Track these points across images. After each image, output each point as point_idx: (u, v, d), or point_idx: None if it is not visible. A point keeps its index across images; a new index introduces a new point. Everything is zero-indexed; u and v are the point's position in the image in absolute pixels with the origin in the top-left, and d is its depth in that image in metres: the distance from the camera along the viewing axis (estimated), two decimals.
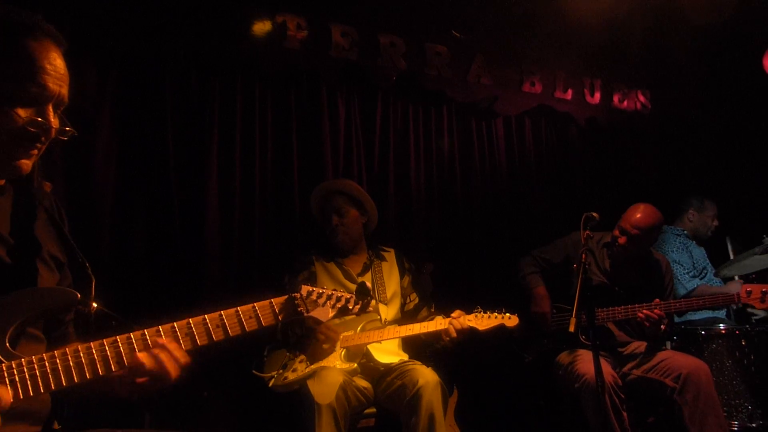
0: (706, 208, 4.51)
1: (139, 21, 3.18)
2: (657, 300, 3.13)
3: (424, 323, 2.90)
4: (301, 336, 2.89)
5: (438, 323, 2.86)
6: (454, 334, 2.80)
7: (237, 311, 1.49)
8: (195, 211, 3.33)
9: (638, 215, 3.28)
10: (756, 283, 3.45)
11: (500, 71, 4.40)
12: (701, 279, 4.21)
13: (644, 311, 3.07)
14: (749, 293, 3.05)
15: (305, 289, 1.67)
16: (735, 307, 4.38)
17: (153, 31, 3.22)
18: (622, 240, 3.30)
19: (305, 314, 1.63)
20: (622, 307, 3.20)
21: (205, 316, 1.45)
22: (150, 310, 2.96)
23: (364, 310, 1.78)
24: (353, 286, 3.09)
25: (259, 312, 1.53)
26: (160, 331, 1.39)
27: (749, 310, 4.28)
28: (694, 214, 4.52)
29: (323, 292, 1.71)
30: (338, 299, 1.74)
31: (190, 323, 1.44)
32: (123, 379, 1.38)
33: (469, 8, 4.14)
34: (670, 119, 5.13)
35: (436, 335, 2.91)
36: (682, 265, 4.13)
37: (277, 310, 1.57)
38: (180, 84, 3.37)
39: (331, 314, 1.70)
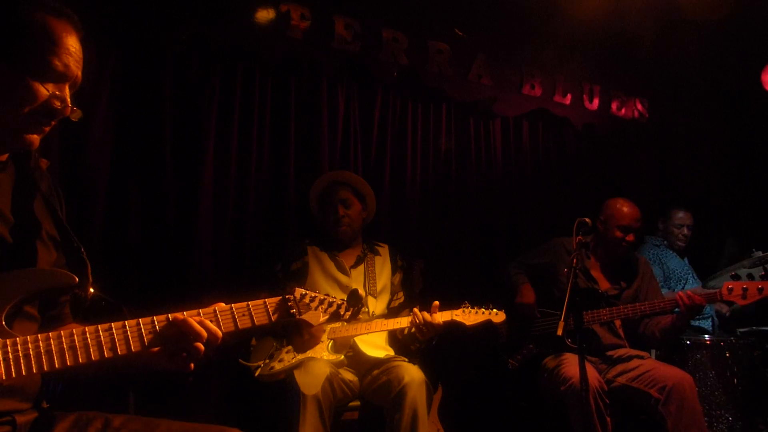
0: (670, 218, 4.58)
1: (142, 2, 3.15)
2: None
3: (397, 319, 2.90)
4: (287, 325, 2.88)
5: (407, 320, 2.84)
6: (419, 335, 2.80)
7: (231, 308, 1.48)
8: (189, 197, 3.32)
9: (629, 209, 3.41)
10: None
11: (501, 72, 4.40)
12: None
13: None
14: (731, 290, 3.07)
15: (299, 291, 1.65)
16: (718, 321, 4.43)
17: (155, 13, 3.20)
18: (630, 237, 3.39)
19: (297, 317, 1.61)
20: (607, 309, 3.23)
21: (200, 310, 1.43)
22: (141, 296, 2.98)
23: (354, 317, 1.77)
24: (345, 278, 3.11)
25: (253, 311, 1.52)
26: (154, 322, 1.37)
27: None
28: (661, 223, 4.59)
29: (316, 296, 1.69)
30: (330, 304, 1.72)
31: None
32: (162, 354, 1.38)
33: (474, 8, 4.13)
34: (667, 129, 5.16)
35: (412, 336, 2.92)
36: None
37: (270, 311, 1.56)
38: (180, 68, 3.35)
39: (322, 319, 1.68)
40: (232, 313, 1.48)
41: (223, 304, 1.48)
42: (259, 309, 1.54)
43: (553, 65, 4.62)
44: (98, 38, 3.10)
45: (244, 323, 1.49)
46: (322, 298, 1.71)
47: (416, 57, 4.04)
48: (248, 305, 1.52)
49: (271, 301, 1.57)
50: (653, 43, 4.49)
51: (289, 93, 3.68)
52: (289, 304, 1.61)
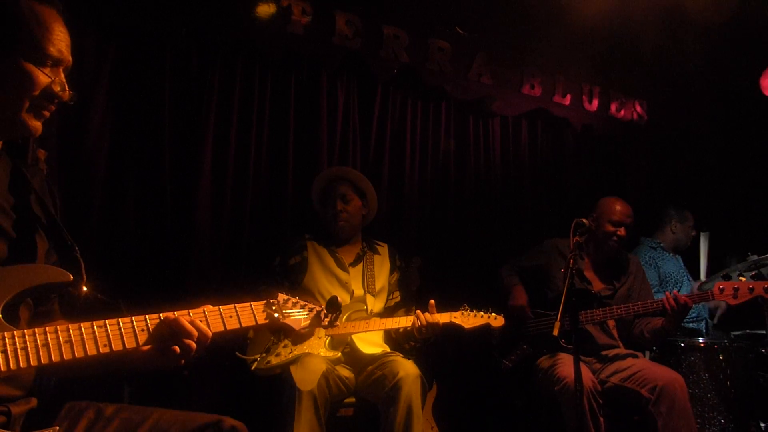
0: (687, 219, 4.60)
1: None
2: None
3: (396, 318, 2.90)
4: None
5: (406, 320, 2.85)
6: (417, 335, 2.80)
7: (219, 309, 1.54)
8: (187, 190, 3.31)
9: (620, 206, 3.46)
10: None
11: (501, 71, 4.40)
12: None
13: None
14: (722, 290, 3.09)
15: (282, 296, 1.71)
16: (712, 323, 4.44)
17: (155, 6, 3.19)
18: (621, 232, 3.42)
19: (281, 320, 1.67)
20: (600, 309, 3.24)
21: (190, 311, 1.47)
22: (137, 290, 2.97)
23: (332, 324, 1.82)
24: (344, 275, 3.11)
25: (240, 313, 1.58)
26: (146, 320, 1.39)
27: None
28: (677, 225, 4.59)
29: (297, 302, 1.75)
30: (310, 310, 1.78)
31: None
32: (154, 350, 1.40)
33: (475, 7, 4.13)
34: (665, 132, 5.16)
35: (407, 335, 2.92)
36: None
37: (256, 313, 1.63)
38: (180, 61, 3.34)
39: (303, 324, 1.73)
40: (221, 314, 1.54)
41: (210, 306, 1.52)
42: (246, 311, 1.60)
43: (554, 65, 4.62)
44: (99, 28, 3.10)
45: (231, 324, 1.55)
46: (303, 303, 1.77)
47: (417, 54, 4.03)
48: (235, 307, 1.57)
49: (257, 305, 1.63)
50: (654, 46, 4.49)
51: (289, 88, 3.67)
52: (274, 308, 1.66)
